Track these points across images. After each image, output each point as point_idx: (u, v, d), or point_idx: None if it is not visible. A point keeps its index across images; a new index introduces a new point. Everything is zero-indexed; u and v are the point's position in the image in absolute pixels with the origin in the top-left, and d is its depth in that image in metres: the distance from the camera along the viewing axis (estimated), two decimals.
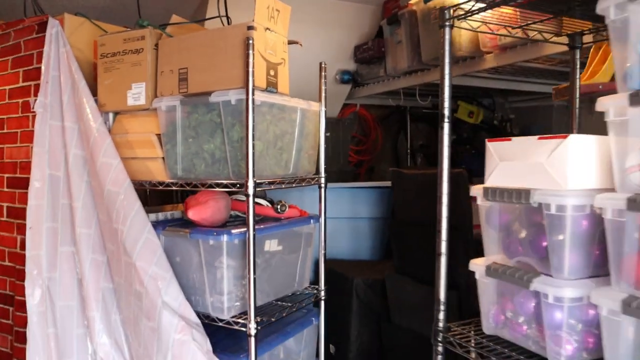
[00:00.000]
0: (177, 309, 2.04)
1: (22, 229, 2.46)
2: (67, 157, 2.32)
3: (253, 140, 1.96)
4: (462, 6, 1.70)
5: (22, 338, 2.42)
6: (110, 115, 2.41)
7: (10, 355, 2.54)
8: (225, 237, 2.06)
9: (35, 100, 2.37)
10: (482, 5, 1.64)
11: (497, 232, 1.67)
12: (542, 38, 2.00)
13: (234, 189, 2.08)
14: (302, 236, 2.46)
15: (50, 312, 2.32)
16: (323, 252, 2.50)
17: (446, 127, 1.75)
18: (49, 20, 2.36)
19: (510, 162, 1.57)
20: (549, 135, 1.44)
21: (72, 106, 2.33)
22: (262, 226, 2.18)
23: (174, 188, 2.24)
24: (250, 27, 1.98)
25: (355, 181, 4.15)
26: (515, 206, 1.56)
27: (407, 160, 4.91)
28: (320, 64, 2.45)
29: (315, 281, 2.58)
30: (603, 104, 1.28)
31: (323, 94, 2.47)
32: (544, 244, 1.47)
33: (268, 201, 2.41)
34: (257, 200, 2.34)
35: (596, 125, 1.42)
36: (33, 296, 2.30)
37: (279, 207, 2.36)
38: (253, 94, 1.96)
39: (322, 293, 2.51)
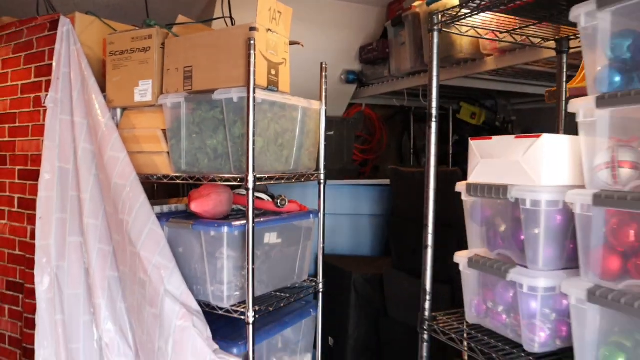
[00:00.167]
0: (179, 297, 2.12)
1: (32, 220, 2.53)
2: (77, 151, 2.40)
3: (254, 136, 2.04)
4: (448, 12, 1.77)
5: (31, 324, 2.49)
6: (118, 111, 2.49)
7: (20, 340, 2.62)
8: (225, 229, 2.14)
9: (47, 95, 2.44)
10: (467, 11, 1.71)
11: (479, 226, 1.74)
12: (530, 42, 2.07)
13: (235, 183, 2.16)
14: (301, 230, 2.53)
15: (59, 299, 2.40)
16: (322, 246, 2.57)
17: (433, 126, 1.83)
18: (61, 18, 2.42)
19: (491, 159, 1.64)
20: (525, 135, 1.51)
21: (82, 102, 2.40)
22: (262, 219, 2.26)
23: (178, 181, 2.32)
24: (252, 28, 2.06)
25: (360, 179, 4.22)
26: (495, 201, 1.63)
27: (410, 159, 4.97)
28: (321, 64, 2.52)
29: (314, 274, 2.64)
30: (573, 105, 1.35)
31: (324, 93, 2.54)
32: (522, 237, 1.54)
33: (269, 196, 2.48)
34: (258, 194, 2.42)
35: None
36: (42, 283, 2.38)
37: (279, 201, 2.43)
38: (254, 92, 2.03)
39: (320, 286, 2.59)
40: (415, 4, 3.31)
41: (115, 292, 2.39)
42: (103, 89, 2.44)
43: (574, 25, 1.40)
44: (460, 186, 1.75)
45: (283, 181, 2.32)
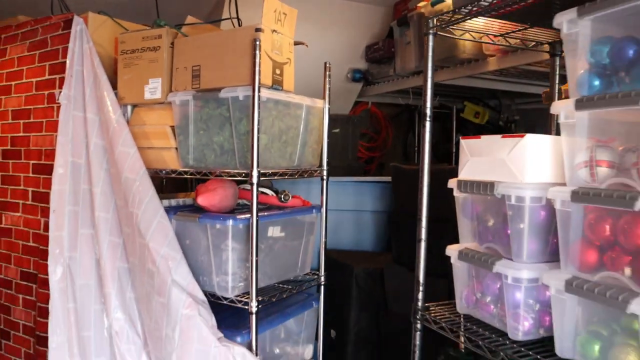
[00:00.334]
0: (185, 287, 2.21)
1: (45, 212, 2.61)
2: (89, 146, 2.48)
3: (258, 133, 2.12)
4: (442, 17, 1.85)
5: (44, 313, 2.57)
6: (129, 108, 2.57)
7: (34, 329, 2.70)
8: (230, 222, 2.23)
9: (60, 92, 2.52)
10: (460, 16, 1.79)
11: (470, 221, 1.82)
12: (524, 45, 2.14)
13: (240, 178, 2.25)
14: (304, 224, 2.62)
15: (71, 289, 2.49)
16: (324, 240, 2.65)
17: (427, 125, 1.91)
18: (74, 18, 2.50)
19: (479, 157, 1.72)
20: (510, 135, 1.59)
21: (94, 99, 2.48)
22: (265, 213, 2.35)
23: (185, 176, 2.41)
24: (257, 29, 2.14)
25: (365, 176, 4.28)
26: (485, 197, 1.71)
27: (415, 157, 5.03)
28: (325, 63, 2.59)
29: (317, 268, 2.72)
30: (555, 107, 1.43)
31: (327, 92, 2.61)
32: (508, 231, 1.62)
33: (273, 191, 2.57)
34: (263, 189, 2.51)
35: None
36: (55, 273, 2.47)
37: (282, 196, 2.52)
38: (259, 91, 2.12)
39: (322, 278, 2.67)
40: (420, 4, 3.35)
41: (125, 282, 2.48)
42: (114, 86, 2.51)
43: None
44: (452, 183, 1.84)
45: (286, 177, 2.40)
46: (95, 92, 2.48)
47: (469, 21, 1.91)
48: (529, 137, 1.54)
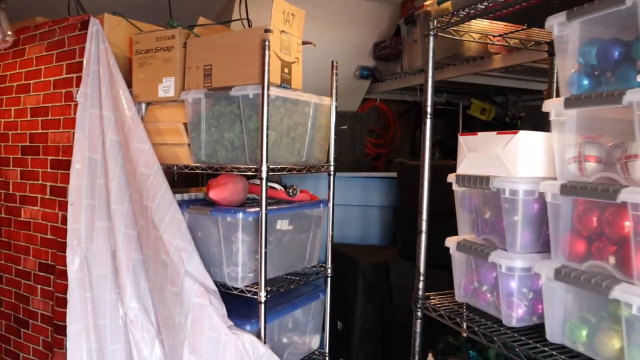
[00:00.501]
0: (197, 277, 2.30)
1: (63, 206, 2.70)
2: (105, 142, 2.56)
3: (267, 130, 2.21)
4: (441, 19, 1.93)
5: (62, 303, 2.66)
6: (143, 106, 2.66)
7: (51, 318, 2.79)
8: (240, 215, 2.32)
9: (77, 90, 2.59)
10: (458, 19, 1.87)
11: (468, 214, 1.91)
12: (523, 45, 2.21)
13: (250, 173, 2.34)
14: (312, 218, 2.70)
15: (88, 279, 2.58)
16: (330, 233, 2.74)
17: (428, 122, 1.99)
18: (91, 19, 2.57)
19: (476, 153, 1.81)
20: (504, 131, 1.67)
21: (110, 97, 2.56)
22: (274, 207, 2.43)
23: (197, 171, 2.51)
24: (267, 30, 2.22)
25: (372, 172, 4.34)
26: (482, 191, 1.79)
27: None
28: (332, 62, 2.67)
29: (324, 261, 2.80)
30: (547, 105, 1.52)
31: (334, 90, 2.68)
32: (504, 223, 1.70)
33: (282, 186, 2.65)
34: (271, 184, 2.59)
35: None
36: (73, 263, 2.56)
37: (290, 191, 2.60)
38: (268, 89, 2.20)
39: (329, 271, 2.75)
40: (426, 2, 3.36)
41: (139, 273, 2.57)
42: (129, 84, 2.60)
43: None
44: (451, 177, 1.92)
45: (294, 172, 2.49)
46: (111, 91, 2.56)
47: (468, 22, 1.99)
48: (522, 133, 1.62)
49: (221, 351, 2.22)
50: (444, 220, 2.10)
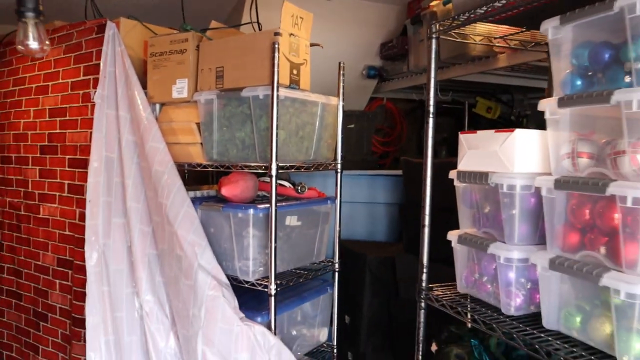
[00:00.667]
0: (210, 271, 2.39)
1: (80, 203, 2.78)
2: (121, 142, 2.64)
3: (277, 129, 2.29)
4: (443, 22, 2.01)
5: (80, 297, 2.74)
6: (158, 106, 2.74)
7: (70, 311, 2.88)
8: (251, 211, 2.41)
9: (95, 92, 2.67)
10: (459, 22, 1.95)
11: (469, 209, 1.99)
12: (523, 47, 2.29)
13: (260, 171, 2.42)
14: (319, 215, 2.79)
15: (105, 273, 2.67)
16: (338, 229, 2.82)
17: (431, 121, 2.08)
18: (107, 23, 2.65)
19: (476, 150, 1.89)
20: (502, 130, 1.76)
21: (126, 98, 2.64)
22: (283, 203, 2.52)
23: (210, 169, 2.59)
24: (276, 33, 2.30)
25: (379, 170, 4.40)
26: (482, 186, 1.88)
27: None
28: (339, 63, 2.75)
29: (332, 256, 2.88)
30: (542, 105, 1.60)
31: (341, 90, 2.76)
32: (502, 217, 1.78)
33: (291, 183, 2.74)
34: (281, 181, 2.68)
35: None
36: (91, 258, 2.64)
37: (299, 188, 2.69)
38: (277, 90, 2.28)
39: (336, 265, 2.84)
40: (432, 3, 3.43)
41: (154, 267, 2.65)
42: (144, 86, 2.67)
43: None
44: (452, 173, 2.01)
45: (303, 170, 2.57)
46: (126, 92, 2.64)
47: (469, 26, 2.07)
48: (518, 131, 1.71)
49: (233, 342, 2.31)
50: (448, 215, 2.17)
